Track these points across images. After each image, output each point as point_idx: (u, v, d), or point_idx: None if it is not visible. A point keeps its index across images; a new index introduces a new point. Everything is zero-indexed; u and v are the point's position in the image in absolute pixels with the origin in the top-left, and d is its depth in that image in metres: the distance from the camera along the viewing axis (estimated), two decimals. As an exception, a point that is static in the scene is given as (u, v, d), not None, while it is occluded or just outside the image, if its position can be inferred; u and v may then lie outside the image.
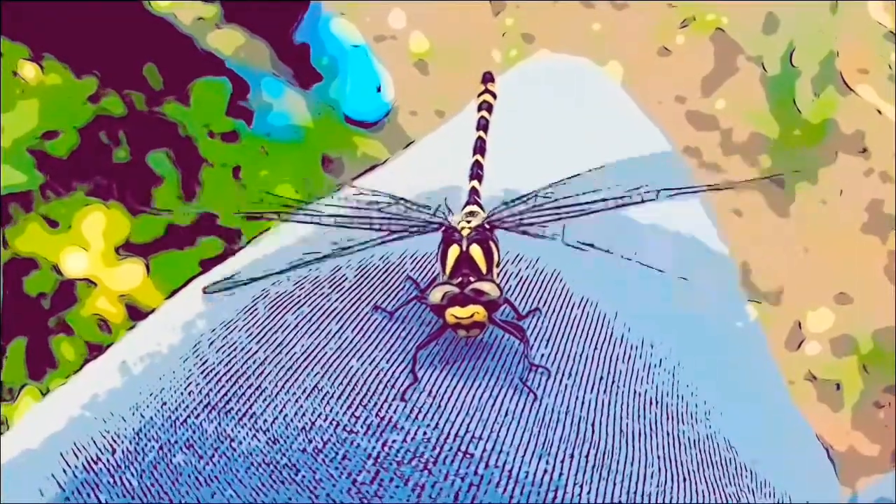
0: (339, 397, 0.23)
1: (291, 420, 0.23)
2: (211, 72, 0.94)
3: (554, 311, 0.27)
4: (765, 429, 0.30)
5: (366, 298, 0.27)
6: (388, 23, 1.04)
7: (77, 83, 0.90)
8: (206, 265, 0.31)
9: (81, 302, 0.84)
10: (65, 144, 0.88)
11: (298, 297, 0.27)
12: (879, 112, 1.02)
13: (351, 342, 0.25)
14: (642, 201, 0.25)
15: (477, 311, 0.23)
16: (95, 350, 0.83)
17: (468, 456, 0.22)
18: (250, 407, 0.23)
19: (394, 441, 0.22)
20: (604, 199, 0.25)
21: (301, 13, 0.94)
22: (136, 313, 0.83)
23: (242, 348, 0.25)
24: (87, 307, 0.83)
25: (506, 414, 0.24)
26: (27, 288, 0.84)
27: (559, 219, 0.26)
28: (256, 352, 0.25)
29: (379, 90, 0.98)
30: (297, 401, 0.23)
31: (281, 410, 0.23)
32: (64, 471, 0.23)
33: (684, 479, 0.24)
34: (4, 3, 0.85)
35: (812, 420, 0.87)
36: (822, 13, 1.05)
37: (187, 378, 0.24)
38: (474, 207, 0.27)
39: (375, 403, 0.23)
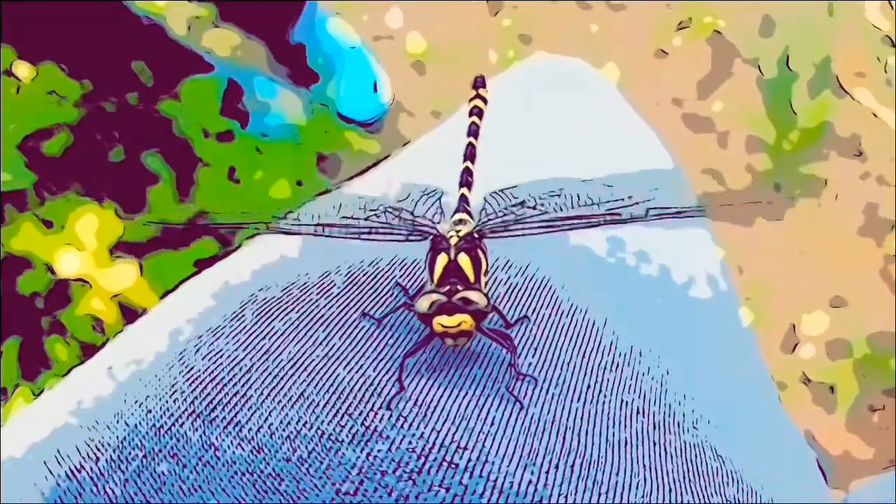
0: (324, 406, 0.23)
1: (276, 429, 0.23)
2: (204, 71, 0.94)
3: (542, 319, 0.27)
4: (753, 436, 0.30)
5: (354, 305, 0.27)
6: (385, 23, 1.04)
7: (70, 82, 0.90)
8: (201, 266, 0.31)
9: (75, 302, 0.83)
10: (58, 143, 0.88)
11: (286, 303, 0.27)
12: (876, 115, 1.01)
13: (338, 350, 0.25)
14: (632, 219, 0.25)
15: (464, 321, 0.23)
16: (89, 350, 0.82)
17: (453, 466, 0.22)
18: (235, 415, 0.23)
19: (378, 451, 0.22)
20: (593, 216, 0.25)
21: (297, 13, 0.94)
22: (130, 313, 0.83)
23: (228, 355, 0.25)
24: (81, 307, 0.83)
25: (492, 423, 0.23)
26: (21, 287, 0.84)
27: (548, 232, 0.25)
28: (243, 359, 0.25)
29: (375, 90, 0.98)
30: (282, 409, 0.23)
31: (266, 419, 0.23)
32: (46, 479, 0.23)
33: (670, 490, 0.24)
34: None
35: (806, 423, 0.87)
36: (818, 16, 1.05)
37: (172, 386, 0.24)
38: (463, 215, 0.27)
39: (361, 412, 0.23)
